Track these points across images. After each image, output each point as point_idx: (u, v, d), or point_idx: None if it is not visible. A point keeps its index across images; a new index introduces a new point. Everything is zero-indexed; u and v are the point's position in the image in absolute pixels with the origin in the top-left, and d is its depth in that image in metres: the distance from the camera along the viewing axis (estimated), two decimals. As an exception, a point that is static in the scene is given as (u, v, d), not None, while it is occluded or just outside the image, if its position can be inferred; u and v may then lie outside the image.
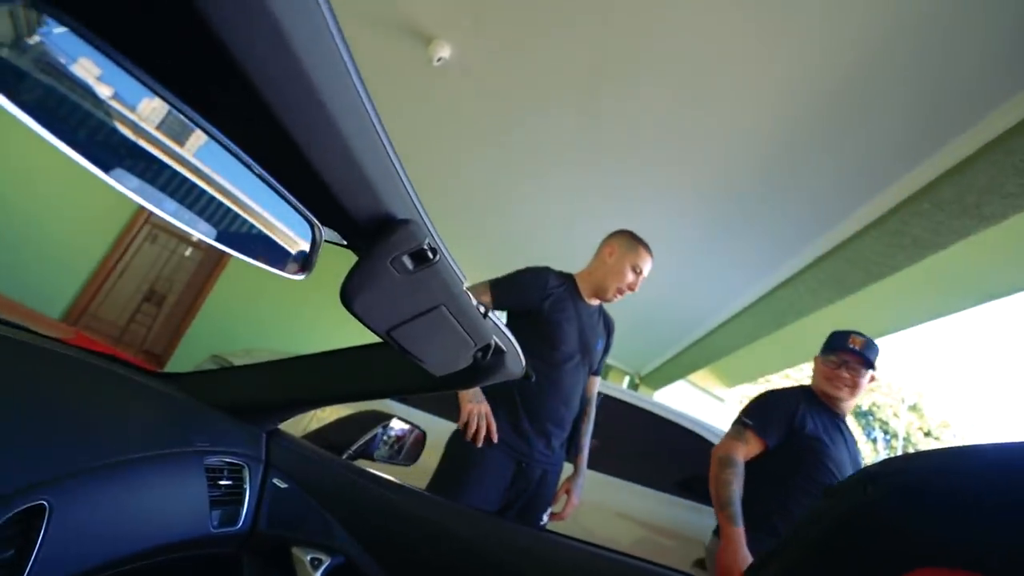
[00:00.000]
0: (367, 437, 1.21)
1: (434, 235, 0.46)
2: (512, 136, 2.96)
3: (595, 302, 1.77)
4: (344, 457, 1.13)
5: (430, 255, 0.45)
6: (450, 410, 2.43)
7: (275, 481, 0.89)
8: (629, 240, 1.76)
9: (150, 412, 0.77)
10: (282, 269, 0.37)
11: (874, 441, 19.21)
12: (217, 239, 0.33)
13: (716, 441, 2.35)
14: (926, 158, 2.08)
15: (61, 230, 4.48)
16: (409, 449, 1.33)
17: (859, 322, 3.62)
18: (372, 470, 1.01)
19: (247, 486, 0.84)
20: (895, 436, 18.96)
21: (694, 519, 2.15)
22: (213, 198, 0.32)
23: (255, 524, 0.85)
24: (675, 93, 2.26)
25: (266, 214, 0.34)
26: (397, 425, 1.29)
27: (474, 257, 5.23)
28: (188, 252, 6.59)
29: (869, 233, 2.44)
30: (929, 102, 1.88)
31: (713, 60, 2.04)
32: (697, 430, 2.43)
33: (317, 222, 0.39)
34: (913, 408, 19.73)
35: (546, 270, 1.71)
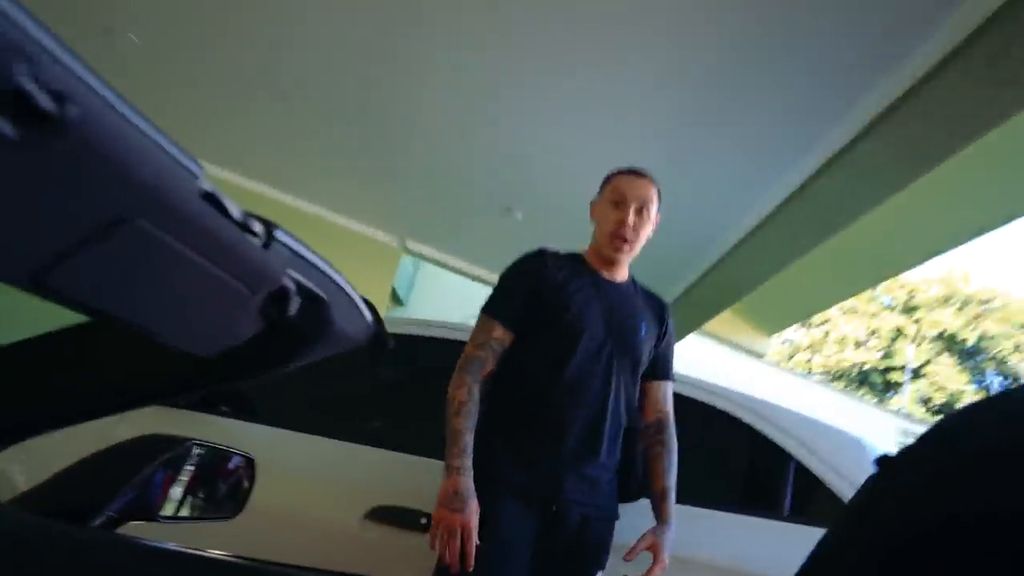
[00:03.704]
0: (137, 485, 1.20)
1: (75, 71, 0.39)
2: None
3: (622, 276, 2.03)
4: (97, 524, 1.13)
5: (52, 108, 0.38)
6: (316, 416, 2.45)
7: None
8: (605, 181, 2.03)
9: None
10: None
11: (986, 390, 20.51)
12: None
13: (748, 418, 2.45)
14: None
15: None
16: (223, 491, 1.37)
17: (947, 218, 3.73)
18: (150, 540, 1.00)
19: None
20: (1016, 379, 20.11)
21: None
22: None
23: None
24: None
25: None
26: (193, 453, 1.31)
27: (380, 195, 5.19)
28: None
29: (960, 61, 2.40)
30: None
31: None
32: (719, 404, 2.49)
33: None
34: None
35: (538, 252, 1.97)
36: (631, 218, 1.90)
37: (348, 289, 0.74)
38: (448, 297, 7.48)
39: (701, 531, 2.22)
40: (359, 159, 4.60)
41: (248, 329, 0.66)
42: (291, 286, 0.65)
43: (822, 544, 0.80)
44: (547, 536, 1.78)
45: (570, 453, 1.81)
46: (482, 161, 4.24)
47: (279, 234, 0.61)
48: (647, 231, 1.95)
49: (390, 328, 2.93)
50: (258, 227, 0.58)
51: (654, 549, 1.82)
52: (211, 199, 0.52)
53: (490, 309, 1.91)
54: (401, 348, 2.63)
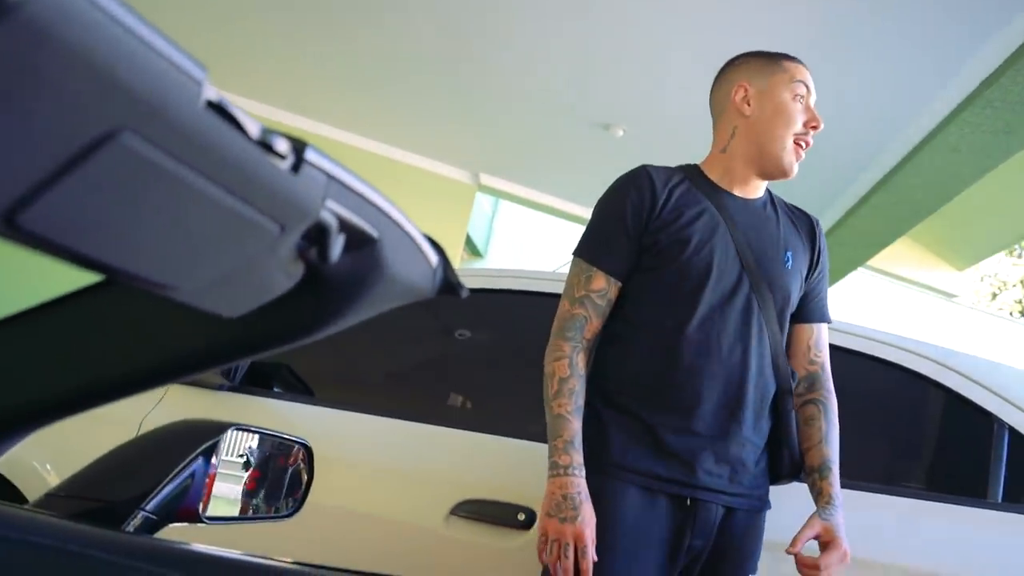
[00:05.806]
0: (175, 480, 1.23)
1: None
2: None
3: (757, 191, 2.02)
4: (128, 528, 1.16)
5: None
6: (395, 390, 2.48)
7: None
8: (763, 62, 1.99)
9: None
10: None
11: None
12: None
13: (940, 374, 2.40)
14: None
15: None
16: (278, 486, 1.39)
17: None
18: (200, 547, 1.01)
19: None
20: None
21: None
22: None
23: None
24: None
25: None
26: (239, 444, 1.34)
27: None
28: None
29: None
30: None
31: None
32: (904, 360, 2.46)
33: None
34: None
35: (639, 171, 1.96)
36: (818, 118, 1.93)
37: (405, 224, 0.71)
38: (533, 246, 7.51)
39: (880, 523, 2.20)
40: (419, 77, 4.67)
41: (282, 279, 0.65)
42: (331, 221, 0.63)
43: None
44: (683, 536, 1.80)
45: (705, 428, 1.81)
46: (572, 69, 4.26)
47: (311, 154, 0.59)
48: None
49: (480, 281, 2.97)
50: (283, 145, 0.57)
51: (826, 535, 1.77)
52: (218, 109, 0.51)
53: (587, 252, 1.92)
54: (491, 306, 2.67)
